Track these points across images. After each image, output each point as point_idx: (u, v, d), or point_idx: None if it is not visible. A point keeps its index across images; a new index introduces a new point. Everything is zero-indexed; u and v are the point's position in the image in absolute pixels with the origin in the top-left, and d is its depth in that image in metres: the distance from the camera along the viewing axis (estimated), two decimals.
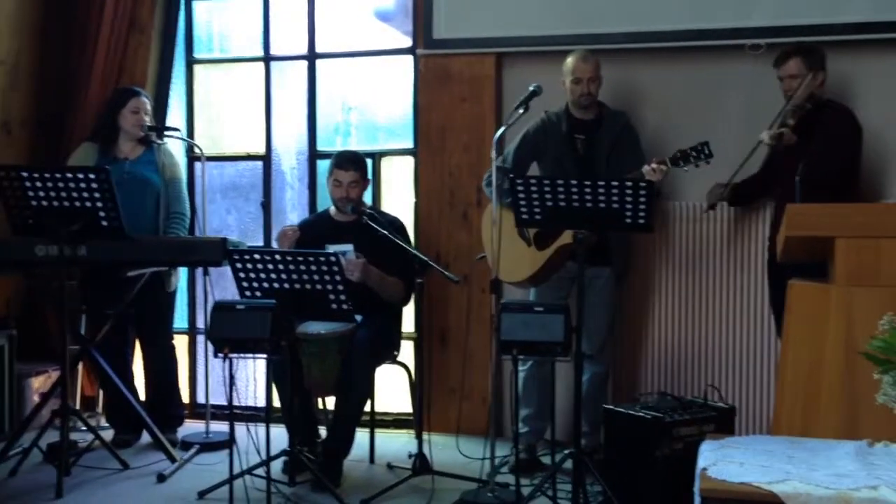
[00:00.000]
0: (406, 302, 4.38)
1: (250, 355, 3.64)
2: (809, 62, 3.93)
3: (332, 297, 3.73)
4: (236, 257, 3.74)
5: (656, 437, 3.46)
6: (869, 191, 4.15)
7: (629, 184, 3.34)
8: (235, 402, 4.53)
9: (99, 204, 3.94)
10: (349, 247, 4.22)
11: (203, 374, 5.04)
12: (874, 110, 4.20)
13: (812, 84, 3.92)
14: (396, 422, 5.00)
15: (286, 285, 3.73)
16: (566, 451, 3.60)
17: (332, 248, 4.05)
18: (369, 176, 4.44)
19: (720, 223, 4.49)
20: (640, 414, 3.54)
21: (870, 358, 2.28)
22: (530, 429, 4.35)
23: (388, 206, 4.99)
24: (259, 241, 5.24)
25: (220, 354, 3.58)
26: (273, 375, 4.05)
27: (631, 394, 4.46)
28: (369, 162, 4.94)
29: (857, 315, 3.00)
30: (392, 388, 4.75)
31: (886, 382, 2.26)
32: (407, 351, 4.61)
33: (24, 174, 3.91)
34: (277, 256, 3.71)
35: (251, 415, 4.47)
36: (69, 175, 3.91)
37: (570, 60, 4.27)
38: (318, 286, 3.71)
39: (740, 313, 4.47)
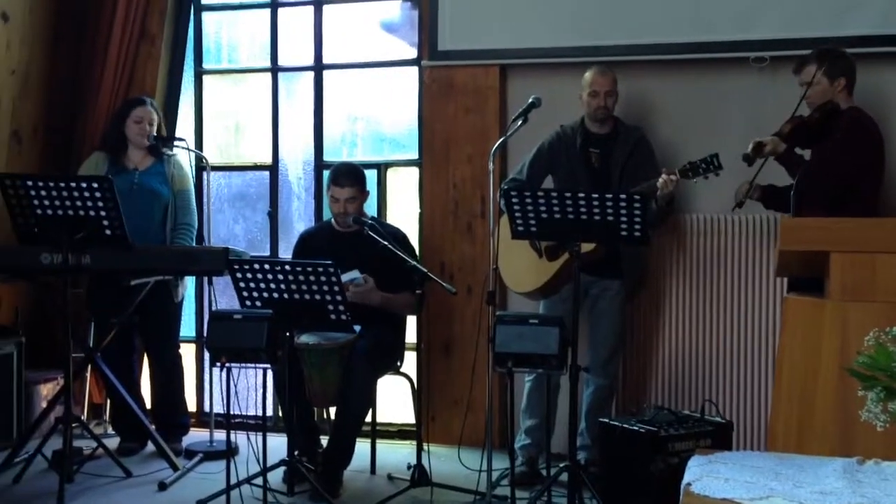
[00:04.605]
0: (416, 312, 4.38)
1: (247, 364, 3.66)
2: (824, 68, 3.81)
3: (330, 307, 3.75)
4: (236, 267, 3.77)
5: (651, 451, 3.44)
6: (889, 208, 4.07)
7: (623, 196, 3.33)
8: (241, 412, 4.59)
9: (103, 213, 3.97)
10: (355, 272, 4.23)
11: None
12: (884, 124, 4.16)
13: (830, 91, 3.83)
14: (401, 433, 5.00)
15: (286, 295, 3.75)
16: (562, 465, 3.58)
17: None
18: (369, 188, 4.45)
19: (732, 236, 4.45)
20: (636, 428, 3.53)
21: (854, 374, 2.25)
22: (532, 440, 4.33)
23: (393, 217, 5.01)
24: (266, 251, 5.27)
25: (218, 364, 3.62)
26: (274, 385, 4.07)
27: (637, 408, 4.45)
28: (374, 173, 5.00)
29: (852, 330, 2.96)
30: (397, 399, 4.76)
31: (871, 399, 2.23)
32: (411, 362, 4.62)
33: (30, 183, 3.95)
34: (277, 267, 3.74)
35: (254, 424, 4.49)
36: (73, 184, 3.94)
37: (588, 74, 4.28)
38: (318, 296, 3.73)
39: (751, 328, 4.43)
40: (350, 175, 4.33)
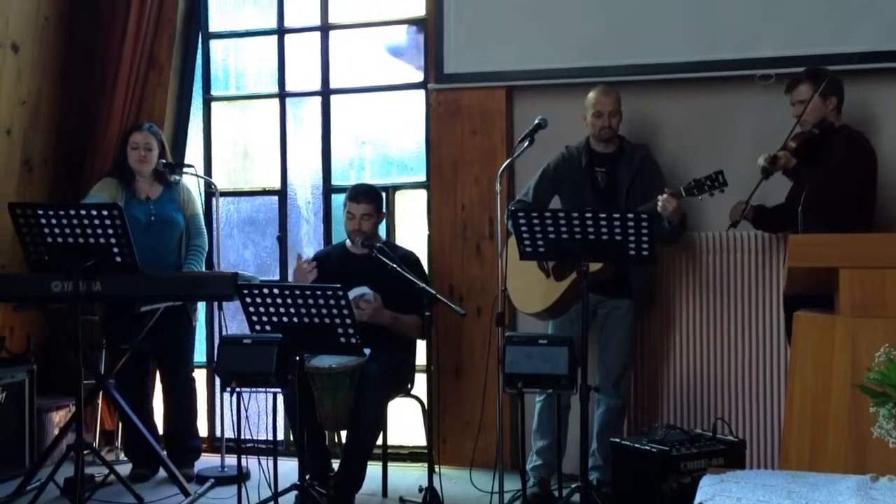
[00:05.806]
0: (424, 336, 4.39)
1: (257, 389, 3.67)
2: (819, 87, 3.88)
3: (340, 330, 3.76)
4: (245, 292, 3.78)
5: (664, 471, 3.42)
6: (883, 220, 4.10)
7: (630, 215, 3.33)
8: (252, 436, 4.59)
9: (112, 240, 3.98)
10: (365, 288, 4.25)
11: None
12: (887, 138, 4.17)
13: (823, 109, 3.89)
14: (412, 455, 4.99)
15: (295, 319, 3.76)
16: (574, 486, 3.57)
17: (351, 294, 4.05)
18: (384, 209, 4.47)
19: (742, 253, 4.45)
20: (647, 447, 3.51)
21: (865, 391, 2.24)
22: (544, 461, 4.32)
23: (402, 239, 5.02)
24: (275, 276, 5.29)
25: (228, 388, 3.62)
26: (285, 409, 4.07)
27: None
28: (382, 196, 5.01)
29: (863, 346, 2.94)
30: (408, 422, 4.75)
31: (882, 416, 2.21)
32: (422, 384, 4.61)
33: (40, 212, 3.97)
34: (286, 291, 3.75)
35: (266, 448, 4.49)
36: (83, 212, 3.96)
37: (591, 94, 4.29)
38: (327, 320, 3.74)
39: (763, 346, 4.42)
40: (368, 193, 4.40)
